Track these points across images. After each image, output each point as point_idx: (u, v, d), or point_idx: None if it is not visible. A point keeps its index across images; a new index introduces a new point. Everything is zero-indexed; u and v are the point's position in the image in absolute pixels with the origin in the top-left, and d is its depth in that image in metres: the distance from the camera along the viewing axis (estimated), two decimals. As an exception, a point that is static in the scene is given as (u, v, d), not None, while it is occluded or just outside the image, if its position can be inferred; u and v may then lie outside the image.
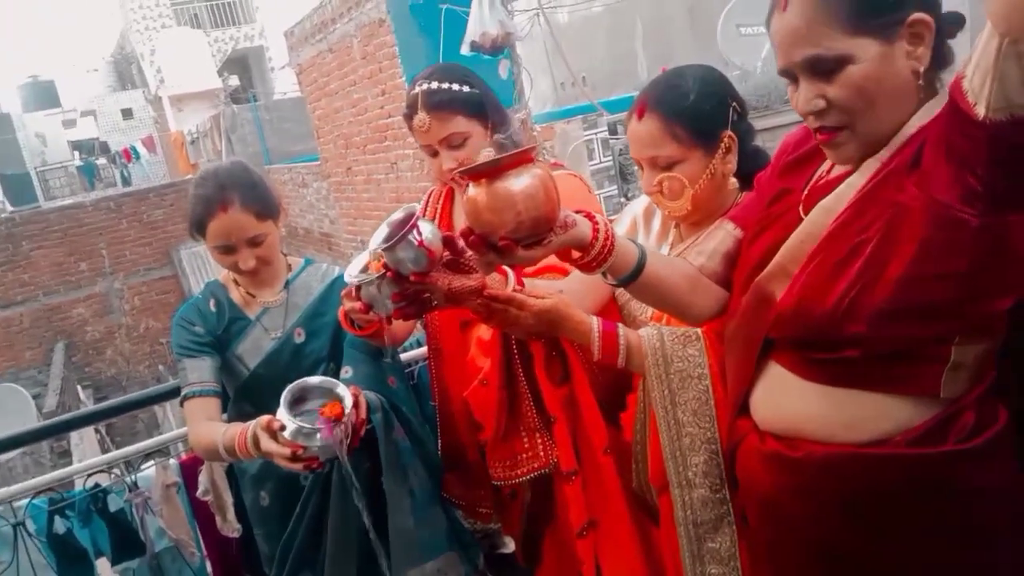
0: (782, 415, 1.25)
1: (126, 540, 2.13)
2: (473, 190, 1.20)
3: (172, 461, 2.23)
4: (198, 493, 2.13)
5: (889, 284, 1.07)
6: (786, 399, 1.24)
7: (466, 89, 1.67)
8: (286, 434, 1.49)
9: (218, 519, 2.11)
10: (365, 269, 1.40)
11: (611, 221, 1.33)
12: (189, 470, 2.20)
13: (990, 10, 0.90)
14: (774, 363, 1.25)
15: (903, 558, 1.18)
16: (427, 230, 1.30)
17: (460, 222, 1.80)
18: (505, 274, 1.44)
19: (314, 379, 1.61)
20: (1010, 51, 0.89)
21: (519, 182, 1.17)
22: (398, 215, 1.33)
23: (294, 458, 1.48)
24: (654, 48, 7.97)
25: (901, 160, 1.09)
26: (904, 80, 1.09)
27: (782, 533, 1.29)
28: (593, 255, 1.25)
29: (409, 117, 1.69)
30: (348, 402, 1.55)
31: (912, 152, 1.08)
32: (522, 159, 1.19)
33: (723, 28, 5.21)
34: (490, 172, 1.18)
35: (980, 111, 0.95)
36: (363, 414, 1.59)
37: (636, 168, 1.57)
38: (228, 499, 2.10)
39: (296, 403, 1.55)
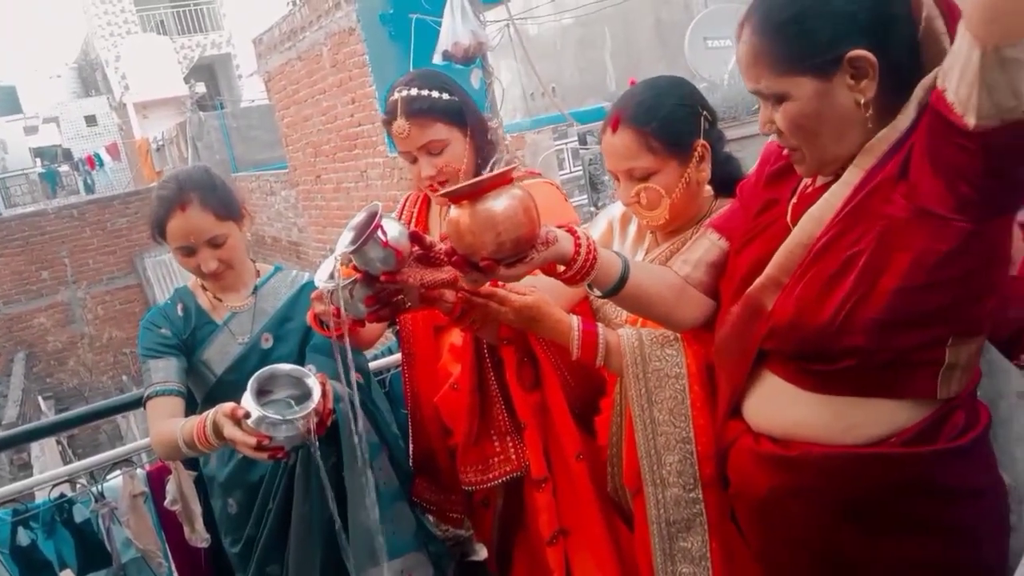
0: (777, 423, 1.26)
1: (92, 551, 2.10)
2: (455, 212, 1.22)
3: (139, 471, 2.20)
4: (166, 503, 2.10)
5: (884, 295, 1.09)
6: (781, 407, 1.25)
7: (445, 96, 1.67)
8: (250, 422, 1.46)
9: (186, 529, 2.08)
10: (332, 276, 1.40)
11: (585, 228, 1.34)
12: (156, 479, 2.18)
13: (970, 20, 0.92)
14: (768, 372, 1.27)
15: (894, 558, 1.20)
16: (392, 228, 1.30)
17: (436, 227, 1.81)
18: None
19: (284, 366, 1.58)
20: (994, 59, 0.91)
21: (499, 203, 1.19)
22: (360, 217, 1.32)
23: (259, 447, 1.46)
24: (623, 60, 8.05)
25: (888, 172, 1.10)
26: (847, 111, 1.11)
27: (775, 533, 1.30)
28: (576, 269, 1.27)
29: (388, 123, 1.69)
30: (317, 392, 1.53)
31: (898, 163, 1.10)
32: (502, 180, 1.21)
33: (690, 41, 5.27)
34: (471, 194, 1.20)
35: (970, 121, 0.96)
36: (330, 404, 1.57)
37: (609, 179, 1.59)
38: (196, 508, 2.07)
39: (263, 391, 1.53)
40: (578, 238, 1.27)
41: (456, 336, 1.73)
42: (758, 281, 1.25)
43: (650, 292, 1.37)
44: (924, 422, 1.16)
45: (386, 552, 1.68)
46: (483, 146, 1.73)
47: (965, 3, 0.95)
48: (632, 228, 1.72)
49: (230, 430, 1.47)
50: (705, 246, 1.46)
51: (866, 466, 1.18)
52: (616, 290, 1.33)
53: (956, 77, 0.97)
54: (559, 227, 1.28)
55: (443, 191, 1.26)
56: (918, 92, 1.08)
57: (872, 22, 1.08)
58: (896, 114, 1.11)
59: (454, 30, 4.12)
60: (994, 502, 1.23)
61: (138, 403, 1.99)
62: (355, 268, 1.34)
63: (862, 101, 1.10)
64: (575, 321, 1.49)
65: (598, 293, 1.35)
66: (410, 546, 1.81)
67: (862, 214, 1.12)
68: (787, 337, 1.20)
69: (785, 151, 1.23)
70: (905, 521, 1.19)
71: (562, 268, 1.28)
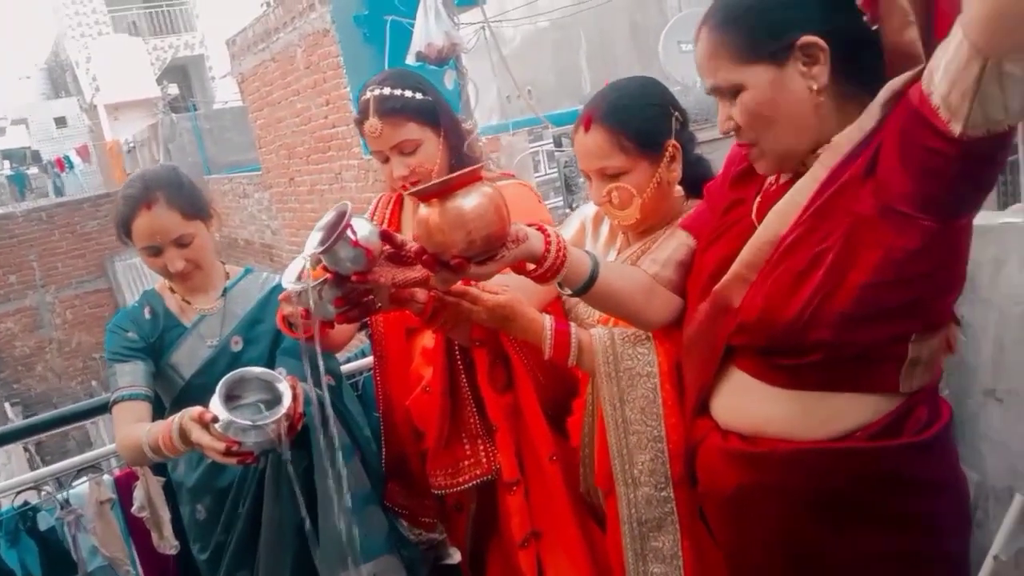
0: (745, 418, 1.28)
1: (57, 560, 2.06)
2: (424, 210, 1.21)
3: (106, 477, 2.16)
4: (133, 509, 2.06)
5: (852, 291, 1.11)
6: (749, 403, 1.27)
7: (419, 96, 1.66)
8: (218, 427, 1.43)
9: (154, 536, 2.05)
10: (300, 277, 1.38)
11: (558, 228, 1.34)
12: (124, 486, 2.14)
13: (972, 29, 0.90)
14: (735, 369, 1.28)
15: (859, 552, 1.22)
16: (362, 227, 1.28)
17: (409, 228, 1.79)
18: None
19: (254, 370, 1.56)
20: (994, 72, 0.91)
21: (469, 201, 1.18)
22: (329, 217, 1.31)
23: (228, 452, 1.43)
24: (598, 63, 8.08)
25: (855, 170, 1.12)
26: (802, 99, 1.14)
27: (743, 530, 1.32)
28: (546, 267, 1.28)
29: (360, 122, 1.67)
30: (287, 397, 1.51)
31: (865, 161, 1.11)
32: (471, 178, 1.21)
33: (664, 44, 5.31)
34: (440, 192, 1.20)
35: (956, 128, 0.97)
36: (300, 408, 1.55)
37: (583, 180, 1.60)
38: (165, 515, 2.04)
39: (232, 396, 1.50)
40: (548, 236, 1.28)
41: (428, 339, 1.71)
42: (725, 278, 1.26)
43: (620, 291, 1.38)
44: (888, 417, 1.18)
45: (358, 556, 1.66)
46: (456, 146, 1.72)
47: (967, 7, 0.92)
48: (604, 228, 1.72)
49: (198, 434, 1.45)
50: (674, 245, 1.47)
51: (832, 460, 1.20)
52: (586, 288, 1.33)
53: (947, 84, 0.96)
54: (529, 225, 1.28)
55: (412, 190, 1.25)
56: (884, 94, 1.10)
57: (822, 8, 1.11)
58: (856, 105, 1.13)
59: (427, 31, 4.11)
60: (956, 496, 1.26)
61: (106, 408, 1.96)
62: (325, 269, 1.32)
63: (815, 87, 1.12)
64: (548, 320, 1.49)
65: (568, 291, 1.36)
66: (382, 549, 1.79)
67: (830, 211, 1.14)
68: (755, 332, 1.21)
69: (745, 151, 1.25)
70: (870, 515, 1.21)
71: (532, 266, 1.28)
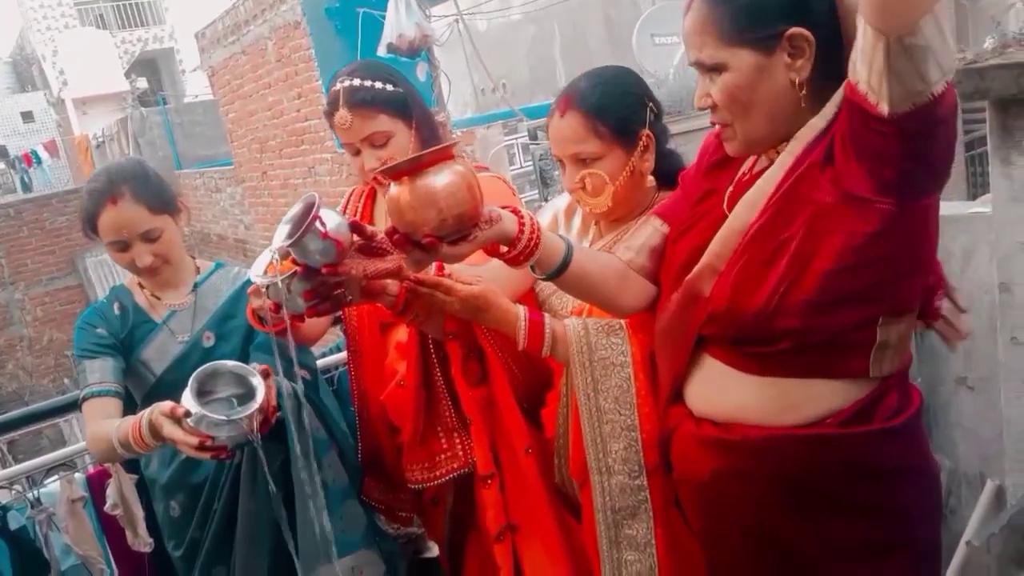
0: (719, 406, 1.29)
1: (29, 559, 2.02)
2: (395, 189, 1.20)
3: (78, 475, 2.13)
4: (106, 507, 2.03)
5: (816, 277, 1.12)
6: (722, 390, 1.28)
7: (389, 87, 1.64)
8: (190, 421, 1.42)
9: (128, 534, 2.02)
10: (267, 272, 1.36)
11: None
12: (96, 484, 2.11)
13: (868, 16, 0.97)
14: (708, 356, 1.29)
15: (831, 537, 1.24)
16: (331, 219, 1.26)
17: (382, 221, 1.78)
18: None
19: (227, 363, 1.54)
20: (897, 48, 0.96)
21: (440, 179, 1.17)
22: (297, 209, 1.28)
23: (201, 447, 1.42)
24: (573, 56, 8.09)
25: (814, 158, 1.14)
26: (783, 89, 1.15)
27: (718, 517, 1.33)
28: (520, 249, 1.27)
29: (330, 114, 1.65)
30: (260, 392, 1.49)
31: (823, 150, 1.13)
32: (442, 156, 1.19)
33: (638, 37, 5.32)
34: (411, 170, 1.18)
35: (884, 108, 1.01)
36: (273, 401, 1.54)
37: (558, 173, 1.60)
38: (138, 512, 2.01)
39: (204, 391, 1.48)
40: (522, 218, 1.27)
41: (402, 333, 1.70)
42: (696, 269, 1.27)
43: (593, 276, 1.38)
44: (859, 403, 1.20)
45: (336, 550, 1.65)
46: (428, 139, 1.70)
47: None
48: (577, 220, 1.73)
49: (170, 429, 1.43)
50: (648, 232, 1.47)
51: (804, 447, 1.21)
52: (559, 272, 1.33)
53: (865, 68, 1.01)
54: (504, 208, 1.27)
55: (382, 168, 1.23)
56: (845, 87, 1.12)
57: (813, 2, 1.12)
58: (825, 102, 1.15)
59: (398, 22, 4.09)
60: (927, 483, 1.28)
61: (77, 405, 1.93)
62: (294, 262, 1.30)
63: (797, 81, 1.14)
64: (522, 311, 1.48)
65: (541, 275, 1.35)
66: (360, 543, 1.79)
67: (791, 200, 1.15)
68: (725, 322, 1.22)
69: (717, 128, 1.26)
70: (841, 501, 1.23)
71: (505, 248, 1.28)
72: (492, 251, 1.29)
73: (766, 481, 1.24)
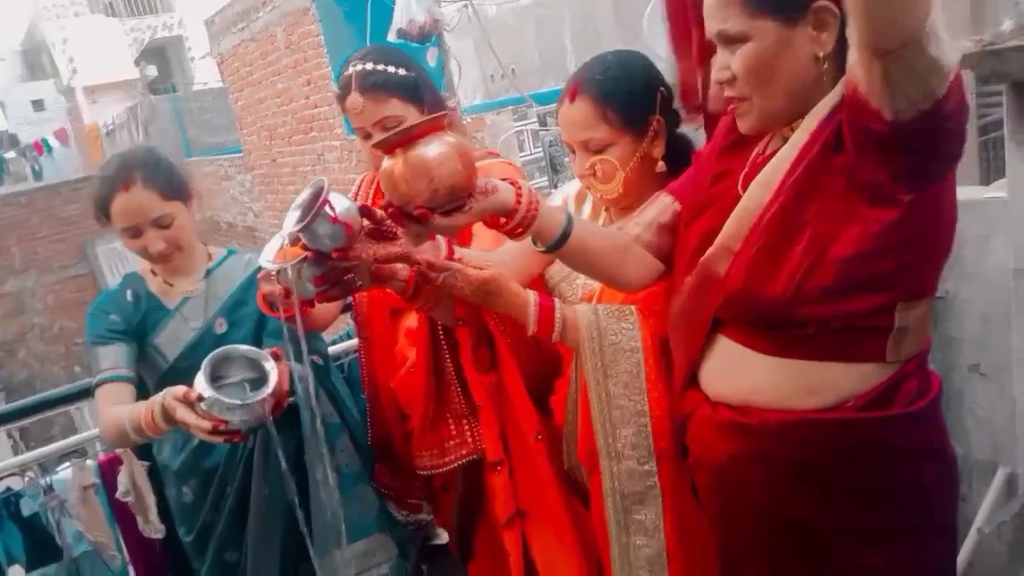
0: (735, 387, 1.28)
1: (41, 545, 2.04)
2: (388, 162, 1.20)
3: (89, 462, 2.14)
4: (118, 494, 2.04)
5: (833, 264, 1.11)
6: (738, 372, 1.27)
7: (401, 72, 1.64)
8: (203, 406, 1.43)
9: (139, 520, 2.03)
10: (278, 257, 1.36)
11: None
12: (108, 470, 2.12)
13: (859, 39, 0.97)
14: (722, 337, 1.28)
15: (849, 522, 1.23)
16: (340, 202, 1.26)
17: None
18: (437, 242, 1.43)
19: (240, 347, 1.55)
20: (894, 64, 0.95)
21: (432, 150, 1.18)
22: (306, 194, 1.28)
23: (214, 431, 1.43)
24: (582, 41, 8.03)
25: (827, 138, 1.13)
26: (805, 62, 1.13)
27: (734, 501, 1.32)
28: (517, 220, 1.26)
29: (342, 98, 1.65)
30: (273, 376, 1.50)
31: (832, 131, 1.12)
32: (434, 127, 1.20)
33: (649, 22, 5.27)
34: (403, 142, 1.19)
35: (887, 115, 1.01)
36: (286, 385, 1.54)
37: (568, 159, 1.59)
38: (150, 499, 2.02)
39: (217, 376, 1.49)
40: (520, 189, 1.26)
41: (412, 319, 1.70)
42: (710, 250, 1.26)
43: (594, 248, 1.37)
44: (879, 388, 1.19)
45: (349, 534, 1.66)
46: None
47: (850, 19, 0.99)
48: (587, 206, 1.72)
49: (183, 413, 1.44)
50: (658, 208, 1.46)
51: (823, 430, 1.20)
52: (559, 244, 1.32)
53: (865, 80, 1.01)
54: (502, 180, 1.26)
55: (375, 142, 1.23)
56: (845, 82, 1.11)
57: None
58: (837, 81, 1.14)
59: (409, 7, 4.07)
60: (945, 468, 1.27)
61: (89, 393, 1.94)
62: (304, 247, 1.30)
63: (820, 55, 1.12)
64: (532, 296, 1.48)
65: (541, 247, 1.34)
66: (373, 528, 1.80)
67: (806, 184, 1.14)
68: (741, 306, 1.21)
69: (732, 105, 1.23)
70: (859, 486, 1.22)
71: (503, 220, 1.27)
72: (492, 223, 1.28)
73: (783, 465, 1.23)
